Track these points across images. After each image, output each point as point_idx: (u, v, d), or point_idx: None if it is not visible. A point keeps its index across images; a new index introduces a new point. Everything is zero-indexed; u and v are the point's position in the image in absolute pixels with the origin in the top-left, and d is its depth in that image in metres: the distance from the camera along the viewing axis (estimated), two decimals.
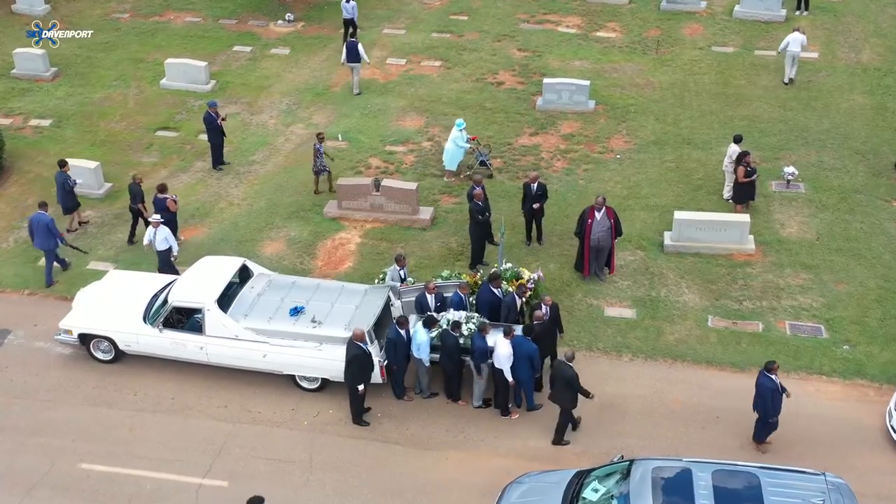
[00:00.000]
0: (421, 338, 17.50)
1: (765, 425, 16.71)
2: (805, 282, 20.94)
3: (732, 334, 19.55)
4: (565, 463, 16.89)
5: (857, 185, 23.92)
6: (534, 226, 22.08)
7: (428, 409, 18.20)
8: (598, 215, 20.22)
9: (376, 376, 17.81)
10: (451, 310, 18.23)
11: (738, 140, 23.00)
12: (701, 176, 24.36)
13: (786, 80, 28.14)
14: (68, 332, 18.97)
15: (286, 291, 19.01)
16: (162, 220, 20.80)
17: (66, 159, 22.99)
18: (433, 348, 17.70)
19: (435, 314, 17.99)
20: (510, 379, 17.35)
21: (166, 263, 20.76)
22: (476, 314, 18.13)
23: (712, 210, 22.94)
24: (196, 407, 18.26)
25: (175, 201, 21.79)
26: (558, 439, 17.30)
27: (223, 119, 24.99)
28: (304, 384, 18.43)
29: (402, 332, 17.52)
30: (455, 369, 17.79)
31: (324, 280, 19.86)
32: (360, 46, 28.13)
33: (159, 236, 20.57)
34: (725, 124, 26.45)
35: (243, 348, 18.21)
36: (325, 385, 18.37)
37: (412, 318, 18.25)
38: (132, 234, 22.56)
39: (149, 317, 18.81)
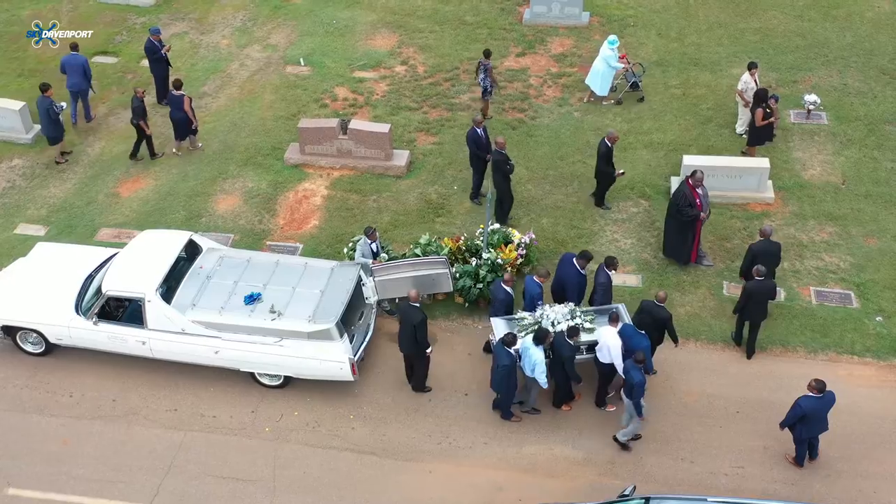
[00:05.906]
0: (536, 357, 14.67)
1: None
2: (831, 237, 18.49)
3: None
4: (564, 473, 14.79)
5: (885, 113, 21.19)
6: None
7: (407, 407, 15.88)
8: (700, 191, 17.22)
9: (346, 374, 15.50)
10: (545, 306, 15.54)
11: (752, 67, 20.08)
12: (710, 105, 21.55)
13: None
14: None
15: (240, 272, 16.42)
16: None
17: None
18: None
19: (541, 321, 15.29)
20: (623, 375, 14.78)
21: None
22: (575, 307, 15.51)
23: (723, 147, 20.34)
24: (141, 411, 15.86)
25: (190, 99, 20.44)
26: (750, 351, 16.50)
27: (167, 49, 21.81)
28: (265, 380, 16.07)
29: (514, 352, 14.71)
30: (570, 378, 15.13)
31: (283, 256, 17.19)
32: None
33: None
34: (736, 39, 23.48)
35: (192, 343, 15.74)
36: (289, 381, 16.02)
37: (499, 323, 15.51)
38: (135, 150, 20.66)
39: (81, 306, 16.23)
